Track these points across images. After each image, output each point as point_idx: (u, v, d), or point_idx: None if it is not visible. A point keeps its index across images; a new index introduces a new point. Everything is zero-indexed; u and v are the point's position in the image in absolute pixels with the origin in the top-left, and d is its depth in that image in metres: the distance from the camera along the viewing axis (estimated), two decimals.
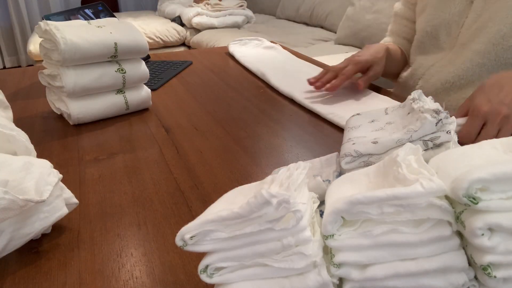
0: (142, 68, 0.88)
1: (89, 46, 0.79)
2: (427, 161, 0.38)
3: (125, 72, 0.85)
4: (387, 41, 1.19)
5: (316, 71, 1.07)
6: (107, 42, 0.81)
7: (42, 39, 0.80)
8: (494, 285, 0.33)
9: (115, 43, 0.82)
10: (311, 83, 0.98)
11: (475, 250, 0.33)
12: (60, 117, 0.89)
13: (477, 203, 0.31)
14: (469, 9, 0.94)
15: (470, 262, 0.34)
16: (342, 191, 0.39)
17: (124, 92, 0.87)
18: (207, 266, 0.36)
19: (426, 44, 1.05)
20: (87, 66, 0.81)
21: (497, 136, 0.66)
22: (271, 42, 1.46)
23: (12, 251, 0.46)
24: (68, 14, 1.14)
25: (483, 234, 0.31)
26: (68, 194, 0.53)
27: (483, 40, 0.89)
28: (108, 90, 0.85)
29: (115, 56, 0.83)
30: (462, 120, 0.67)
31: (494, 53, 0.88)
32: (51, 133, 0.82)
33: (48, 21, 0.78)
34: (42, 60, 0.84)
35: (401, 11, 1.14)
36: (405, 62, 1.16)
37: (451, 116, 0.53)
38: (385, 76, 1.13)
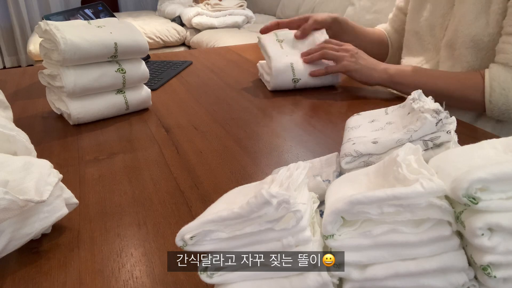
0: (142, 68, 0.88)
1: (89, 46, 0.79)
2: (427, 161, 0.38)
3: (125, 72, 0.85)
4: (382, 27, 1.25)
5: None
6: (107, 42, 0.81)
7: (42, 39, 0.80)
8: (494, 285, 0.33)
9: (115, 43, 0.82)
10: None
11: (475, 250, 0.33)
12: (60, 117, 0.89)
13: (477, 203, 0.31)
14: (451, 12, 0.95)
15: (470, 262, 0.34)
16: (342, 191, 0.39)
17: (124, 92, 0.87)
18: (207, 266, 0.36)
19: (413, 45, 1.08)
20: (87, 66, 0.81)
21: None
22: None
23: (12, 251, 0.46)
24: (68, 14, 1.14)
25: (483, 234, 0.31)
26: (68, 194, 0.53)
27: (459, 43, 0.91)
28: (108, 90, 0.85)
29: (115, 56, 0.83)
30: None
31: (470, 55, 0.90)
32: (51, 133, 0.82)
33: (48, 21, 0.78)
34: (42, 60, 0.84)
35: (399, 3, 1.18)
36: (383, 46, 1.21)
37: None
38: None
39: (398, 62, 1.21)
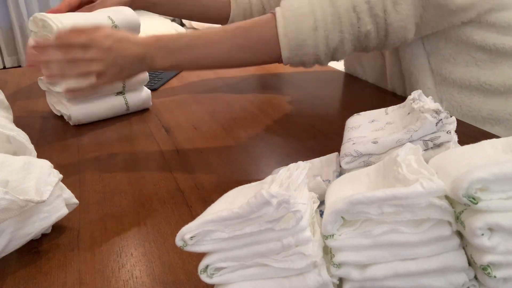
0: None
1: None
2: (427, 161, 0.38)
3: None
4: None
5: None
6: (103, 21, 0.79)
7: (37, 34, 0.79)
8: (494, 285, 0.33)
9: (109, 17, 0.80)
10: None
11: (475, 250, 0.33)
12: (60, 117, 0.89)
13: (477, 203, 0.31)
14: None
15: (470, 262, 0.34)
16: (342, 191, 0.39)
17: (124, 94, 0.87)
18: (207, 266, 0.36)
19: None
20: None
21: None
22: None
23: (12, 251, 0.46)
24: None
25: (483, 234, 0.31)
26: (68, 194, 0.53)
27: None
28: (108, 93, 0.85)
29: None
30: None
31: None
32: (51, 133, 0.82)
33: (38, 14, 0.77)
34: None
35: None
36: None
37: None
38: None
39: None
